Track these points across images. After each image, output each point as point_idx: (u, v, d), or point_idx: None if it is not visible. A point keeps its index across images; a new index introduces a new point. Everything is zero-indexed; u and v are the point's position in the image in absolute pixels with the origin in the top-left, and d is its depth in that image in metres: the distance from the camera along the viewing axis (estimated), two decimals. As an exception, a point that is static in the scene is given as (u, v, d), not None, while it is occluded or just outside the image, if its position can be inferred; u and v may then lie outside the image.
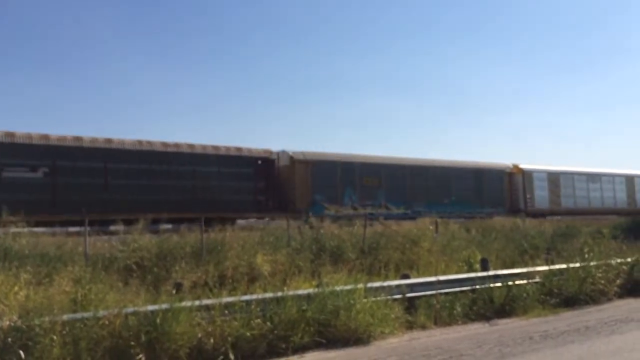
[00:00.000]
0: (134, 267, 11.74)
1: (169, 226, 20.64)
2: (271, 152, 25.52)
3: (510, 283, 10.96)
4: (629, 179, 38.53)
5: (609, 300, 11.92)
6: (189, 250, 12.77)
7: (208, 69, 72.55)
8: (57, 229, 16.34)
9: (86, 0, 63.10)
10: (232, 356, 7.39)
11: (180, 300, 7.78)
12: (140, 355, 6.87)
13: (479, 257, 13.08)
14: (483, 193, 31.76)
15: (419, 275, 11.69)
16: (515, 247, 16.37)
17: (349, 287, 8.98)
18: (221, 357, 7.36)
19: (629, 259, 13.34)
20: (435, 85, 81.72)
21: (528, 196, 32.56)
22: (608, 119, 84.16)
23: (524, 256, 15.29)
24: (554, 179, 34.09)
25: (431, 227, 17.81)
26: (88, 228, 12.96)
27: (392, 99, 77.90)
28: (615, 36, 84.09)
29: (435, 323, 9.74)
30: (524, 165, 33.27)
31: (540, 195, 33.15)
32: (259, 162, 24.83)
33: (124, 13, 66.05)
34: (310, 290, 8.85)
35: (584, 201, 35.39)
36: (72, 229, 17.50)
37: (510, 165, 33.21)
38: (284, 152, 25.99)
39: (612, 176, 37.56)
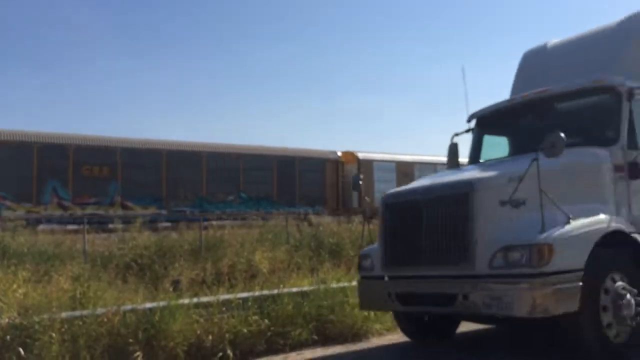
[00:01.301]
0: (133, 264, 11.78)
1: (169, 224, 20.52)
2: None
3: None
4: None
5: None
6: (187, 247, 12.82)
7: (202, 67, 72.50)
8: (56, 226, 16.26)
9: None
10: (230, 353, 7.43)
11: (178, 297, 7.80)
12: (138, 353, 6.89)
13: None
14: (294, 188, 25.09)
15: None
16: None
17: (346, 283, 9.01)
18: (220, 354, 7.40)
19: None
20: (432, 83, 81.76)
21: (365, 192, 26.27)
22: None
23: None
24: (406, 170, 27.31)
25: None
26: (87, 225, 13.00)
27: (384, 97, 77.93)
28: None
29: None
30: (361, 154, 27.02)
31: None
32: None
33: (118, 11, 65.95)
34: (306, 288, 8.89)
35: None
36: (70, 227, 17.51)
37: (338, 153, 26.97)
38: None
39: None
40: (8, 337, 6.50)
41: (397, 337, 8.73)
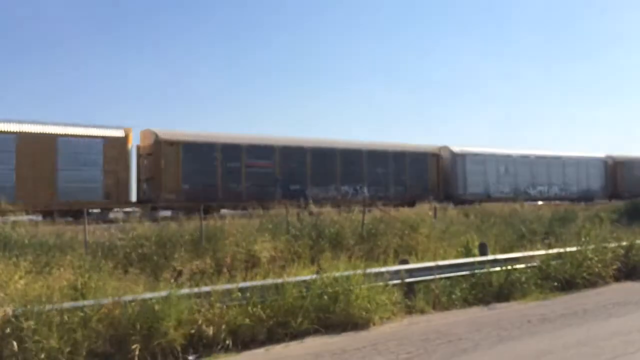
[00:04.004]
0: (134, 255, 11.72)
1: (168, 213, 20.45)
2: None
3: (508, 267, 10.98)
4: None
5: (606, 283, 11.99)
6: (188, 238, 12.75)
7: (202, 61, 72.10)
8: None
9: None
10: (230, 342, 7.45)
11: (179, 287, 7.77)
12: (136, 345, 6.88)
13: (477, 242, 13.08)
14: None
15: (418, 261, 11.70)
16: (514, 232, 16.38)
17: (347, 273, 8.99)
18: (220, 343, 7.41)
19: (624, 243, 13.32)
20: (436, 77, 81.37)
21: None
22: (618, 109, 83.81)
23: (523, 241, 15.31)
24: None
25: (430, 213, 17.80)
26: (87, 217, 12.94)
27: (393, 90, 77.59)
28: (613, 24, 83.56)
29: (434, 308, 9.78)
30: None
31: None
32: None
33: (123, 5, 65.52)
34: (308, 277, 8.86)
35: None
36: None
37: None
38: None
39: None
40: (8, 329, 6.49)
41: (398, 324, 8.77)
